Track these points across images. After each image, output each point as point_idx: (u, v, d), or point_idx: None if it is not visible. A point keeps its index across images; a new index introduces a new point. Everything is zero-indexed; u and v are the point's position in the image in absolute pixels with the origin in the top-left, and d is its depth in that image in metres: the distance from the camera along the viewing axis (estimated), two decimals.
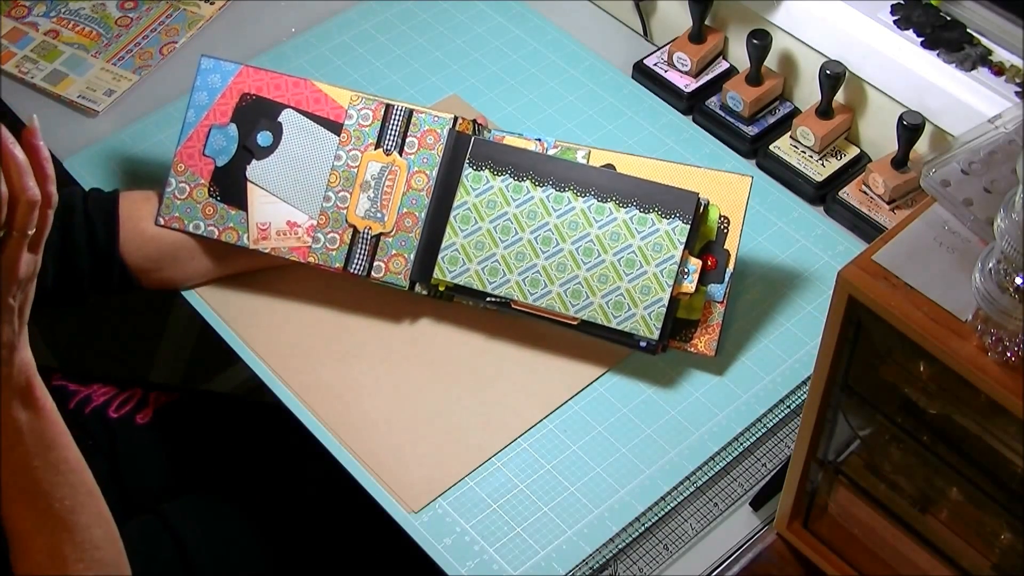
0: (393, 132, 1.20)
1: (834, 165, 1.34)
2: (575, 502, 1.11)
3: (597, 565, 1.07)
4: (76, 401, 1.30)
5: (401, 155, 1.19)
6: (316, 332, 1.22)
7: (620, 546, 1.08)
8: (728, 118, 1.39)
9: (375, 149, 1.20)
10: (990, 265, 0.77)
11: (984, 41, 1.26)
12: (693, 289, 1.14)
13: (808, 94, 1.40)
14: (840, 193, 1.31)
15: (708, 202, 1.17)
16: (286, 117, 1.21)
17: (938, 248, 0.84)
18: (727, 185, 1.18)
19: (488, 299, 1.17)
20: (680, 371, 1.19)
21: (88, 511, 0.97)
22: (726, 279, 1.17)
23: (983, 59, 1.25)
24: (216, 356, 1.32)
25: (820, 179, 1.33)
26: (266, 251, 1.20)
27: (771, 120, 1.40)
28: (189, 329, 1.79)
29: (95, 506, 0.98)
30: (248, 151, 1.21)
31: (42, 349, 1.88)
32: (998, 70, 1.24)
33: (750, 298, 1.24)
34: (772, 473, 1.12)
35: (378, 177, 1.19)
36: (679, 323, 1.17)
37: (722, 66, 1.45)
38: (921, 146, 1.29)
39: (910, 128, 1.25)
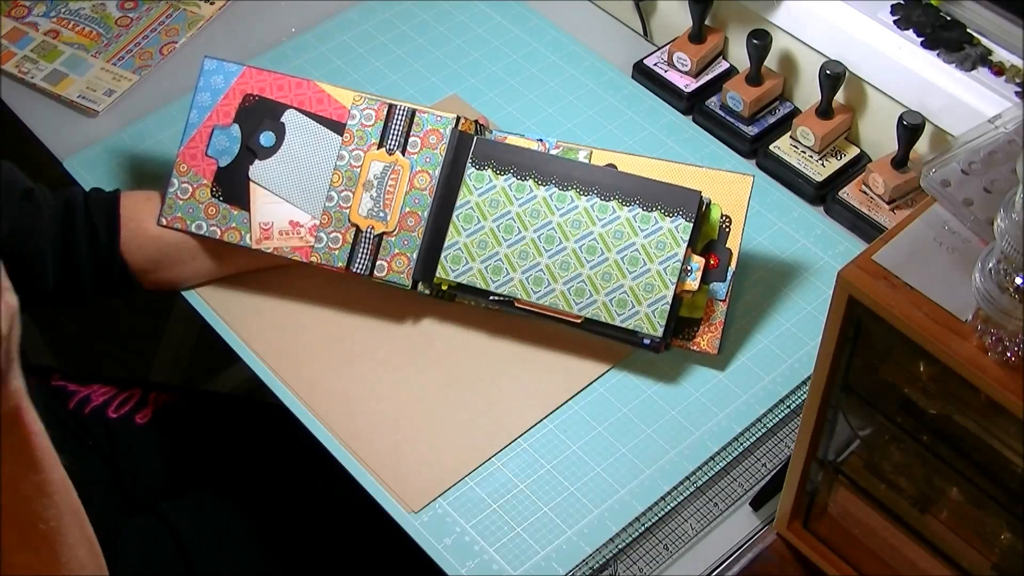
0: (396, 132, 1.20)
1: (834, 165, 1.34)
2: (575, 502, 1.11)
3: (597, 565, 1.07)
4: (76, 401, 1.31)
5: (404, 155, 1.19)
6: (317, 332, 1.22)
7: (620, 546, 1.08)
8: (728, 118, 1.39)
9: (378, 149, 1.20)
10: (990, 265, 0.77)
11: (984, 41, 1.26)
12: (696, 287, 1.15)
13: (808, 94, 1.40)
14: (840, 193, 1.31)
15: (710, 201, 1.17)
16: (289, 117, 1.21)
17: (938, 248, 0.84)
18: (729, 185, 1.18)
19: (491, 298, 1.18)
20: (680, 371, 1.19)
21: (73, 532, 0.98)
22: (728, 277, 1.17)
23: (983, 59, 1.25)
24: (216, 356, 1.32)
25: (820, 179, 1.33)
26: (269, 251, 1.20)
27: (771, 120, 1.40)
28: (189, 329, 1.79)
29: (80, 527, 0.99)
30: (251, 151, 1.21)
31: (42, 349, 1.88)
32: (998, 70, 1.24)
33: (750, 298, 1.24)
34: (772, 473, 1.12)
35: (381, 176, 1.19)
36: (682, 321, 1.17)
37: (722, 66, 1.45)
38: (921, 146, 1.30)
39: (910, 128, 1.25)
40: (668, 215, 1.15)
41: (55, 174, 1.35)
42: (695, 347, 1.18)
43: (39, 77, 1.46)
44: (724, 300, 1.18)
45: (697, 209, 1.14)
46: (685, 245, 1.14)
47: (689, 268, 1.15)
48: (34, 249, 1.17)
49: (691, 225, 1.14)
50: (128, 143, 1.39)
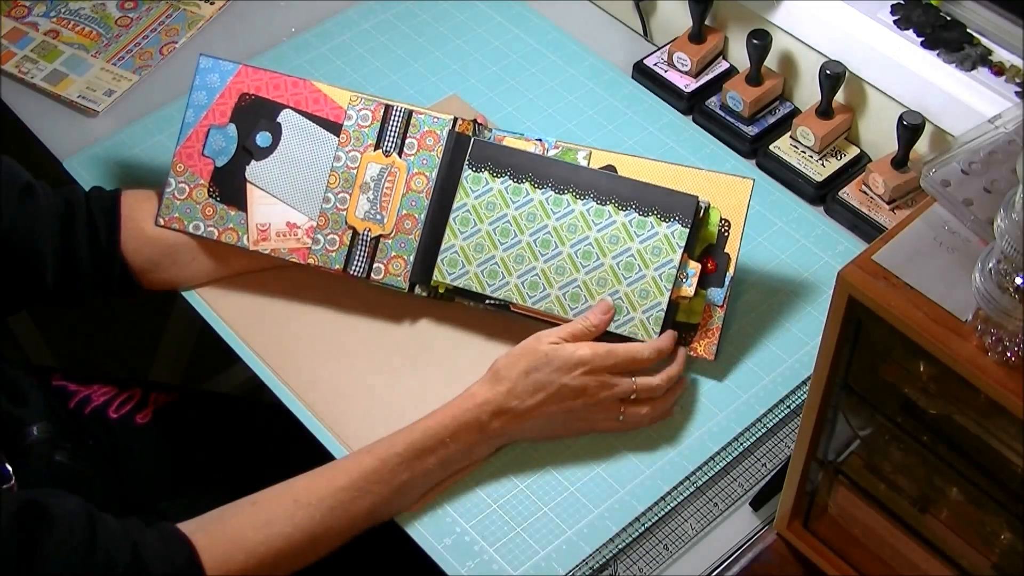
0: (392, 133, 1.19)
1: (834, 165, 1.34)
2: (575, 502, 1.11)
3: (597, 565, 1.07)
4: (76, 401, 1.30)
5: (400, 156, 1.19)
6: (316, 332, 1.22)
7: (620, 546, 1.08)
8: (728, 118, 1.39)
9: (374, 150, 1.19)
10: (990, 265, 0.77)
11: (984, 41, 1.26)
12: (692, 293, 1.14)
13: (808, 94, 1.40)
14: (840, 193, 1.31)
15: (709, 205, 1.16)
16: (285, 117, 1.21)
17: (938, 248, 0.84)
18: (728, 188, 1.17)
19: (487, 302, 1.17)
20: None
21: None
22: (726, 283, 1.17)
23: (983, 59, 1.25)
24: (216, 356, 1.32)
25: (820, 179, 1.33)
26: (266, 252, 1.20)
27: (771, 120, 1.40)
28: (189, 329, 1.79)
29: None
30: (247, 152, 1.21)
31: (42, 349, 1.88)
32: (998, 70, 1.24)
33: (750, 298, 1.24)
34: (772, 473, 1.12)
35: (377, 179, 1.19)
36: (679, 326, 1.17)
37: (722, 66, 1.45)
38: (921, 146, 1.29)
39: (910, 128, 1.25)
40: (664, 220, 1.14)
41: (55, 174, 1.35)
42: (692, 353, 1.17)
43: (39, 77, 1.46)
44: (722, 306, 1.17)
45: (694, 215, 1.14)
46: (681, 251, 1.14)
47: (685, 274, 1.14)
48: (34, 247, 1.17)
49: (687, 231, 1.14)
50: (128, 143, 1.39)
